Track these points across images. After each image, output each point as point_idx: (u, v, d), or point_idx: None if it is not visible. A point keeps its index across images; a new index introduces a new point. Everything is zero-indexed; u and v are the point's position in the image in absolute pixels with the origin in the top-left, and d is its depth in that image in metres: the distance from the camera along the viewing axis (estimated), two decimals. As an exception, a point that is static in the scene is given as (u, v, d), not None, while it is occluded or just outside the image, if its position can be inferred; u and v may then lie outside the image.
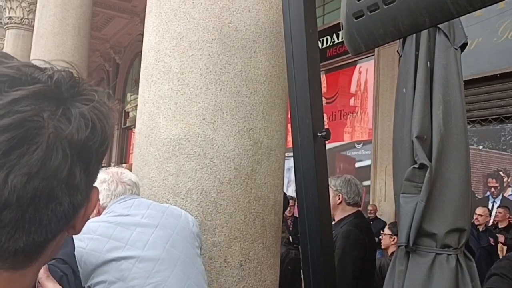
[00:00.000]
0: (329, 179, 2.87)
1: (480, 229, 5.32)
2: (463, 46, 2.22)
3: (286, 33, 1.37)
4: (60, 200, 0.50)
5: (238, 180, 2.05)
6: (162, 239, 1.62)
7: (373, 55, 7.70)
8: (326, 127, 1.39)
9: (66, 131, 0.50)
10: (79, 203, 0.53)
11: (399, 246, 2.17)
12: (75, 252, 1.49)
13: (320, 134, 1.36)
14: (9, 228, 0.48)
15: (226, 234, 2.01)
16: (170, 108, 2.08)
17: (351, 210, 2.86)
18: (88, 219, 0.58)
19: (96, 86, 0.58)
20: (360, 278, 2.81)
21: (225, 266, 2.00)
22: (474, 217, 5.32)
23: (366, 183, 7.51)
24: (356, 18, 0.99)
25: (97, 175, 0.57)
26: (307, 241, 1.35)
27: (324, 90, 8.94)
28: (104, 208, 1.73)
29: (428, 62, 2.13)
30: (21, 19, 8.95)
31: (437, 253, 2.05)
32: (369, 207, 6.70)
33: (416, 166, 2.06)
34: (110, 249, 1.55)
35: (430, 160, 2.05)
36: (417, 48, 2.16)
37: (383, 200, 7.03)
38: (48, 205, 0.49)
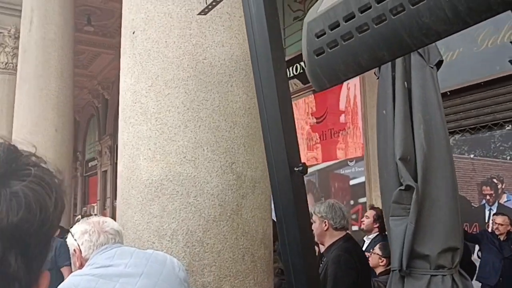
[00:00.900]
0: (313, 206, 2.85)
1: (502, 239, 5.19)
2: (439, 63, 2.23)
3: (254, 71, 1.36)
4: None
5: (224, 216, 2.01)
6: (147, 287, 1.57)
7: (358, 72, 7.76)
8: (303, 161, 1.36)
9: None
10: None
11: (392, 271, 2.13)
12: None
13: (297, 169, 1.34)
14: None
15: (215, 273, 1.96)
16: (149, 148, 2.05)
17: (339, 234, 2.82)
18: None
19: (40, 159, 0.54)
20: None
21: (217, 307, 1.95)
22: (494, 226, 5.22)
23: (362, 200, 7.47)
24: (317, 56, 0.98)
25: (44, 257, 0.51)
26: (292, 279, 1.31)
27: (313, 109, 8.97)
28: (86, 260, 1.68)
29: (405, 83, 2.13)
30: (5, 64, 8.96)
31: (432, 275, 2.01)
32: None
33: (403, 188, 2.04)
34: None
35: (416, 181, 2.03)
36: (393, 69, 2.16)
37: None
38: None
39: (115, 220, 2.09)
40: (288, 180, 1.32)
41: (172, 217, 1.98)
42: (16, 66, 6.48)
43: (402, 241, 2.02)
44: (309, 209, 1.44)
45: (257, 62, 1.34)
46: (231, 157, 2.07)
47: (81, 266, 1.70)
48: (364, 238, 4.79)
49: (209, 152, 2.04)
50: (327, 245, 2.80)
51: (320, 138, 8.85)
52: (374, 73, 2.38)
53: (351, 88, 8.56)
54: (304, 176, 1.38)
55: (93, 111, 15.98)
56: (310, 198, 8.43)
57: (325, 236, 2.80)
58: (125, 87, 2.21)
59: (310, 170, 8.50)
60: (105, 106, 15.09)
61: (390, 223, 2.08)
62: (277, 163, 1.33)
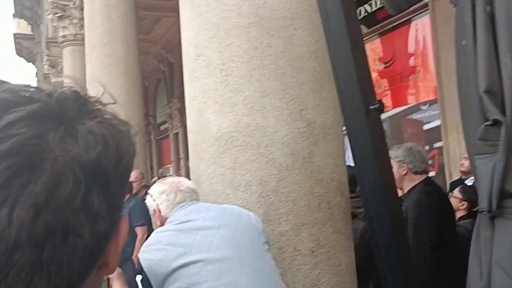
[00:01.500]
0: (390, 151, 2.72)
1: None
2: (526, -19, 1.97)
3: (320, 9, 1.26)
4: (79, 233, 0.42)
5: (297, 165, 1.97)
6: (226, 239, 1.59)
7: (427, 9, 7.24)
8: (387, 96, 1.27)
9: (73, 151, 0.42)
10: (103, 233, 0.45)
11: (480, 212, 2.00)
12: (144, 265, 1.50)
13: (373, 107, 1.24)
14: (25, 273, 0.40)
15: (292, 222, 1.94)
16: (216, 101, 2.03)
17: (419, 178, 2.69)
18: (121, 254, 0.51)
19: (107, 103, 0.51)
20: (439, 248, 2.66)
21: (296, 255, 1.94)
22: None
23: (438, 144, 7.14)
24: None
25: (121, 199, 0.49)
26: (375, 225, 1.25)
27: (380, 55, 8.56)
28: (166, 219, 1.73)
29: (487, 7, 1.92)
30: (74, 36, 9.31)
31: (525, 215, 1.86)
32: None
33: (489, 123, 1.87)
34: (177, 257, 1.53)
35: (504, 114, 1.85)
36: (473, -6, 1.95)
37: (458, 160, 6.65)
38: (66, 240, 0.42)
39: (189, 178, 2.12)
40: (364, 120, 1.23)
41: (244, 168, 1.96)
42: (84, 36, 6.69)
43: (490, 180, 1.87)
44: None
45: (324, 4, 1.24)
46: (299, 104, 2.00)
47: (162, 224, 1.75)
48: (466, 181, 4.60)
49: (276, 100, 1.98)
50: (406, 190, 2.70)
51: (389, 84, 8.48)
52: (450, 1, 2.16)
53: (420, 29, 8.05)
54: (381, 114, 1.28)
55: (160, 76, 16.37)
56: (382, 146, 8.20)
57: (403, 181, 2.69)
58: (187, 41, 2.18)
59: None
60: (170, 70, 15.37)
61: (476, 162, 1.93)
62: (351, 102, 1.25)
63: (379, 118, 1.28)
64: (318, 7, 1.97)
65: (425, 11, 7.31)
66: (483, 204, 1.95)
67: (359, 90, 1.23)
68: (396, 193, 1.34)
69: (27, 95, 0.46)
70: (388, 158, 1.31)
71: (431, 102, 7.67)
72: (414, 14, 7.62)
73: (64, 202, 0.41)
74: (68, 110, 0.46)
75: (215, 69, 2.02)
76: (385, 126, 8.18)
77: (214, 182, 2.03)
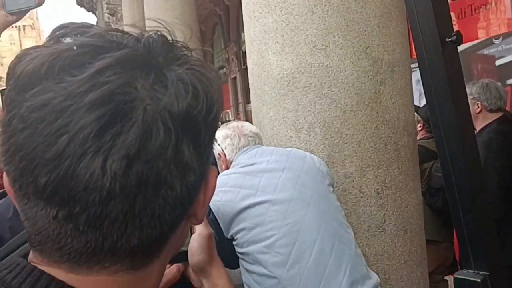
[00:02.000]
0: None
1: None
2: None
3: None
4: (170, 184, 0.42)
5: (362, 105, 1.90)
6: (291, 180, 1.58)
7: None
8: (456, 29, 1.16)
9: (163, 101, 0.41)
10: (193, 185, 0.44)
11: None
12: (212, 206, 1.53)
13: (450, 39, 1.15)
14: (118, 223, 0.41)
15: (357, 163, 1.90)
16: (277, 41, 1.96)
17: (493, 116, 2.53)
18: (208, 203, 0.50)
19: (193, 49, 0.48)
20: (510, 189, 2.54)
21: (361, 196, 1.91)
22: None
23: (510, 81, 6.68)
24: None
25: (210, 150, 0.48)
26: (449, 166, 1.18)
27: (448, -14, 7.95)
28: (231, 163, 1.75)
29: None
30: (132, -18, 9.31)
31: None
32: None
33: None
34: (243, 198, 1.56)
35: None
36: None
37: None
38: (158, 192, 0.41)
39: (251, 122, 2.12)
40: (439, 53, 1.14)
41: (307, 110, 1.92)
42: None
43: None
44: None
45: None
46: (364, 41, 1.90)
47: (227, 168, 1.77)
48: None
49: (340, 38, 1.89)
50: (479, 128, 2.56)
51: (457, 17, 7.92)
52: None
53: (494, -46, 7.33)
54: (458, 47, 1.18)
55: (216, 19, 16.23)
56: (448, 85, 7.80)
57: (477, 119, 2.55)
58: (246, -20, 2.10)
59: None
60: (227, 13, 15.19)
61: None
62: (425, 35, 1.15)
63: (456, 51, 1.19)
64: None
65: None
66: None
67: (435, 20, 1.14)
68: (473, 132, 1.26)
69: (115, 40, 0.44)
70: (465, 94, 1.22)
71: (504, 36, 7.11)
72: None
73: (156, 153, 0.40)
74: (156, 56, 0.44)
75: (275, 7, 1.94)
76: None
77: (276, 125, 2.01)
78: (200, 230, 0.80)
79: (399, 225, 1.95)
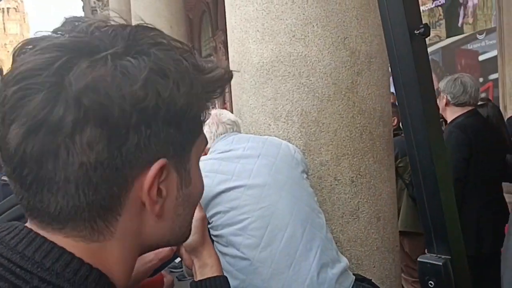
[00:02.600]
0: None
1: None
2: None
3: None
4: (64, 158, 0.46)
5: (339, 95, 1.94)
6: (265, 167, 1.62)
7: None
8: (423, 22, 1.20)
9: (80, 84, 0.45)
10: (103, 165, 0.48)
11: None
12: None
13: (418, 32, 1.19)
14: (36, 187, 0.48)
15: (332, 152, 1.95)
16: (258, 30, 1.99)
17: (461, 110, 2.62)
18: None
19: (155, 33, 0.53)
20: (468, 181, 2.63)
21: (336, 184, 1.96)
22: None
23: (493, 76, 6.79)
24: None
25: (155, 139, 0.50)
26: (415, 153, 1.23)
27: (435, -21, 8.00)
28: (208, 149, 1.78)
29: None
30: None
31: None
32: None
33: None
34: (219, 182, 1.59)
35: None
36: None
37: (514, 93, 6.33)
38: (57, 162, 0.46)
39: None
40: (408, 45, 1.18)
41: (285, 98, 1.95)
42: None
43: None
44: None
45: None
46: (343, 31, 1.94)
47: (205, 154, 1.80)
48: None
49: (319, 28, 1.92)
50: (448, 121, 2.64)
51: (443, 13, 8.00)
52: None
53: None
54: (426, 39, 1.22)
55: (204, 7, 16.12)
56: (433, 78, 7.89)
57: (445, 112, 2.63)
58: (228, -32, 2.12)
59: (433, 48, 7.83)
60: (215, 0, 15.08)
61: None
62: (394, 26, 1.19)
63: (424, 43, 1.23)
64: None
65: None
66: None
67: (403, 12, 1.18)
68: (438, 121, 1.30)
69: (71, 28, 0.51)
70: (432, 86, 1.26)
71: (488, 31, 7.20)
72: None
73: (54, 126, 0.45)
74: (105, 44, 0.49)
75: (256, -4, 1.97)
76: (437, 57, 7.82)
77: (255, 113, 2.04)
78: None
79: (373, 213, 2.00)
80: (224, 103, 15.16)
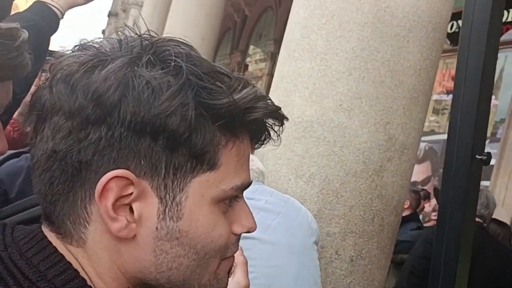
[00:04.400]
0: None
1: None
2: None
3: (463, 37, 1.22)
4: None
5: (365, 174, 1.96)
6: (283, 226, 1.62)
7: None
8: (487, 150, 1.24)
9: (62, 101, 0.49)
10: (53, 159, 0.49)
11: None
12: None
13: (480, 157, 1.22)
14: None
15: (342, 226, 1.96)
16: (307, 87, 2.02)
17: None
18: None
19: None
20: (426, 280, 2.73)
21: (335, 258, 1.96)
22: None
23: (485, 183, 6.95)
24: None
25: (124, 150, 0.47)
26: (440, 269, 1.25)
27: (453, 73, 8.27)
28: None
29: None
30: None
31: None
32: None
33: None
34: None
35: None
36: None
37: (500, 206, 6.47)
38: None
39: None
40: (466, 167, 1.21)
41: (313, 160, 1.97)
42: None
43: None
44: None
45: (470, 27, 1.20)
46: (387, 116, 1.98)
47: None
48: None
49: (366, 106, 1.96)
50: None
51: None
52: None
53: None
54: (484, 165, 1.26)
55: (230, 24, 16.29)
56: (427, 165, 8.04)
57: None
58: (296, 20, 2.16)
59: (435, 137, 8.01)
60: (243, 22, 15.28)
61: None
62: (460, 146, 1.22)
63: (481, 169, 1.26)
64: (439, 25, 1.91)
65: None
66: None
67: (472, 136, 1.21)
68: (471, 245, 1.33)
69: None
70: (474, 210, 1.29)
71: (492, 139, 7.42)
72: None
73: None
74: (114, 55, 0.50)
75: (316, 56, 2.00)
76: (437, 147, 7.99)
77: (279, 164, 2.05)
78: (239, 279, 0.80)
79: (361, 296, 2.01)
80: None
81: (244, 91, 0.49)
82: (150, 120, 0.46)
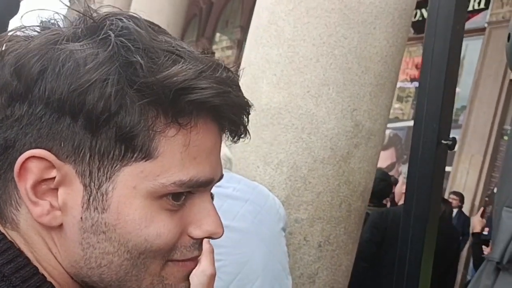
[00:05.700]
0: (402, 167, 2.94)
1: None
2: None
3: (429, 24, 1.23)
4: None
5: (332, 160, 1.97)
6: (251, 213, 1.61)
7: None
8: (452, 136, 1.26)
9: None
10: None
11: (489, 261, 2.03)
12: None
13: (445, 142, 1.24)
14: None
15: (310, 212, 1.97)
16: (275, 74, 2.01)
17: None
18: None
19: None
20: (374, 264, 2.82)
21: (304, 244, 1.97)
22: None
23: (447, 169, 7.16)
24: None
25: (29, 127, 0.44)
26: (407, 250, 1.27)
27: (418, 62, 8.42)
28: None
29: None
30: None
31: (532, 278, 1.89)
32: (452, 196, 6.04)
33: (530, 181, 1.87)
34: None
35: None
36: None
37: (461, 190, 6.69)
38: None
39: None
40: (432, 151, 1.23)
41: (281, 147, 1.97)
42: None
43: (511, 235, 1.90)
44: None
45: (436, 15, 1.21)
46: (354, 103, 1.99)
47: None
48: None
49: (334, 92, 1.96)
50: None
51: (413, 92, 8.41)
52: None
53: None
54: (449, 150, 1.28)
55: (196, 11, 16.07)
56: (391, 152, 8.21)
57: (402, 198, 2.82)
58: (263, 5, 2.13)
59: (399, 124, 8.17)
60: (209, 9, 15.12)
61: (503, 214, 1.95)
62: (426, 131, 1.24)
63: (446, 154, 1.28)
64: (406, 14, 1.92)
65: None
66: (495, 254, 1.98)
67: (439, 122, 1.23)
68: (436, 229, 1.35)
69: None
70: (440, 193, 1.32)
71: (453, 126, 7.63)
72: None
73: None
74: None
75: (284, 42, 1.99)
76: (402, 134, 8.17)
77: (247, 151, 2.04)
78: (204, 267, 0.79)
79: (328, 281, 2.03)
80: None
81: (178, 68, 0.43)
82: (69, 97, 0.42)
